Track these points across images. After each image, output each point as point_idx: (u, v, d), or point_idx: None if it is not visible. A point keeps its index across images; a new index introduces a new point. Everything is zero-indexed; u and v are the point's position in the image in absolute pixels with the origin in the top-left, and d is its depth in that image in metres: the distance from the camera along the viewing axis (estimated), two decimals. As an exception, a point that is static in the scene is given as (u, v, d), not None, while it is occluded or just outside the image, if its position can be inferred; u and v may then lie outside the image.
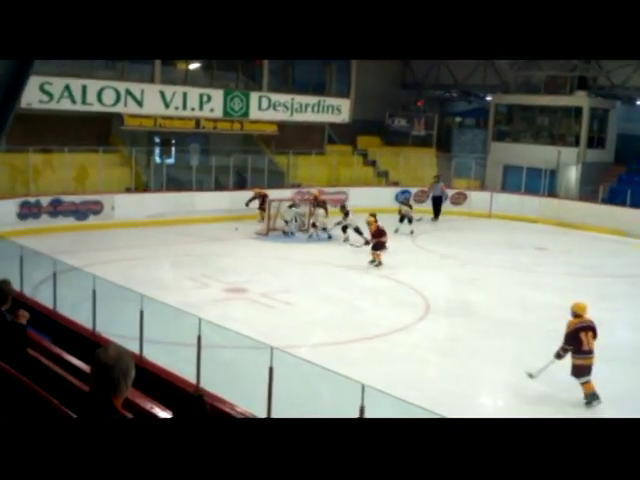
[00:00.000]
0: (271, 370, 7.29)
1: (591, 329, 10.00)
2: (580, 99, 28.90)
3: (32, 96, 20.85)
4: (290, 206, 22.23)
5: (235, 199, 23.82)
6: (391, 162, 30.58)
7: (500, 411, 9.89)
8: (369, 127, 31.82)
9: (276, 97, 26.81)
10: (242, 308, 13.88)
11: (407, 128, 32.88)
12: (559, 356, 10.06)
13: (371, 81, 29.69)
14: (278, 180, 26.59)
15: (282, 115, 27.05)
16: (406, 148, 31.56)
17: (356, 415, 6.45)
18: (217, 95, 25.25)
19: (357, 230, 20.35)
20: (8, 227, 18.23)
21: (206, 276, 16.01)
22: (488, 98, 32.56)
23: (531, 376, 10.20)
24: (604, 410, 9.66)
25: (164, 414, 5.27)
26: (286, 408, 7.77)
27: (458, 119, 36.20)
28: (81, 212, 21.52)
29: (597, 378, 10.02)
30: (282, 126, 26.99)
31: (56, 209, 21.06)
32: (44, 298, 11.35)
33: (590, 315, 10.28)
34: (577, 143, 29.01)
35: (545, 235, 24.12)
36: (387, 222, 23.69)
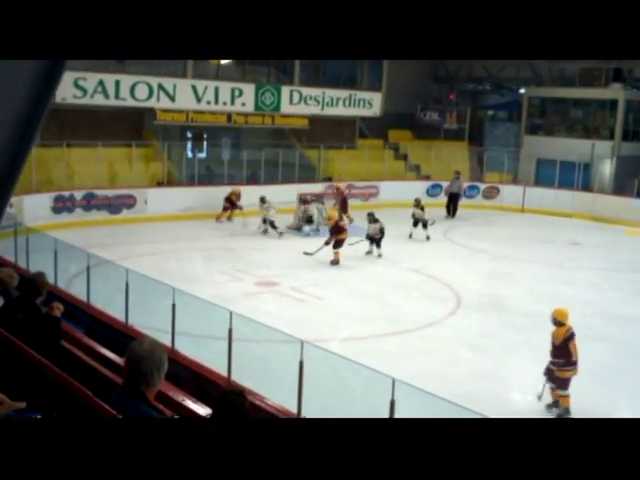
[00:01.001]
0: (301, 364, 7.31)
1: (574, 336, 9.50)
2: (615, 91, 28.45)
3: (66, 91, 21.11)
4: (306, 201, 22.13)
5: (266, 193, 23.89)
6: (422, 156, 30.41)
7: (530, 407, 9.81)
8: (400, 121, 31.65)
9: (307, 91, 26.81)
10: (273, 302, 13.93)
11: (439, 122, 32.66)
12: (550, 373, 9.46)
13: (403, 74, 29.51)
14: (309, 174, 26.61)
15: (313, 109, 27.04)
16: (438, 142, 31.35)
17: (387, 409, 6.45)
18: (248, 89, 25.32)
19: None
20: (42, 221, 18.49)
21: (238, 270, 16.09)
22: (521, 91, 32.22)
23: (539, 398, 9.60)
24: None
25: (195, 407, 5.32)
26: (316, 401, 7.80)
27: (490, 112, 35.87)
28: (114, 206, 21.74)
29: (629, 371, 9.93)
30: (313, 120, 26.99)
31: (89, 203, 21.32)
32: (78, 291, 11.51)
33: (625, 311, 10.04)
34: (612, 136, 28.57)
35: (579, 230, 23.82)
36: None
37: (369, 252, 18.16)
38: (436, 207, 26.53)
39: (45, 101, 3.63)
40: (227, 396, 3.90)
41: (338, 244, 17.30)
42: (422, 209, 20.96)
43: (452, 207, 25.49)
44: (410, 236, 20.84)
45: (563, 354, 9.32)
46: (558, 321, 9.58)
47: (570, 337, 9.38)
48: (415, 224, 20.99)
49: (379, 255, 17.92)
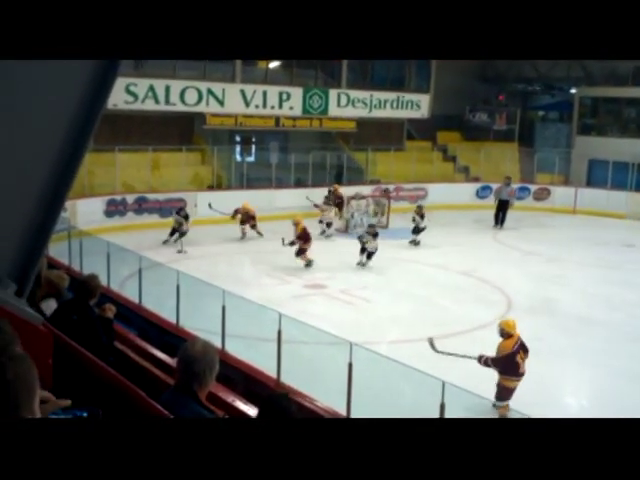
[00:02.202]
0: (350, 366, 7.31)
1: (524, 348, 9.05)
2: (669, 90, 27.84)
3: (118, 97, 21.47)
4: (351, 199, 22.23)
5: (315, 196, 23.97)
6: (472, 157, 30.11)
7: (584, 411, 9.63)
8: (449, 122, 31.41)
9: (355, 94, 26.79)
10: (321, 304, 13.95)
11: (488, 123, 32.31)
12: (479, 362, 9.11)
13: (451, 75, 29.27)
14: (357, 177, 26.59)
15: (361, 111, 27.01)
16: (487, 143, 31.00)
17: (437, 412, 6.41)
18: (296, 93, 25.42)
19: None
20: (95, 224, 18.83)
21: (286, 272, 16.15)
22: (572, 91, 31.68)
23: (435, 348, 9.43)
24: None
25: (246, 407, 5.35)
26: (366, 404, 7.78)
27: (541, 113, 35.36)
28: (165, 209, 22.03)
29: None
30: (361, 122, 26.96)
31: (141, 207, 21.65)
32: (130, 293, 11.69)
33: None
34: (666, 135, 27.95)
35: (633, 231, 23.31)
36: (463, 219, 23.52)
37: (360, 263, 17.12)
38: (485, 209, 26.30)
39: (99, 105, 3.69)
40: (272, 399, 3.90)
41: (301, 252, 16.84)
42: (422, 217, 20.13)
43: (501, 215, 23.76)
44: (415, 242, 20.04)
45: (509, 367, 8.88)
46: (506, 332, 9.11)
47: (518, 351, 8.92)
48: (414, 231, 20.21)
49: (362, 264, 17.08)
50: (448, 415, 6.43)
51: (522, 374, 8.98)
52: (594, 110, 31.10)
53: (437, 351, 9.69)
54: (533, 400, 9.29)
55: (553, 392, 10.17)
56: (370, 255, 17.02)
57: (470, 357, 9.20)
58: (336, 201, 22.17)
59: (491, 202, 27.26)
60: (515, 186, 26.53)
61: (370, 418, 2.32)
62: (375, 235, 17.12)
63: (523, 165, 30.34)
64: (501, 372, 8.98)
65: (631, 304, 14.50)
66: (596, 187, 27.77)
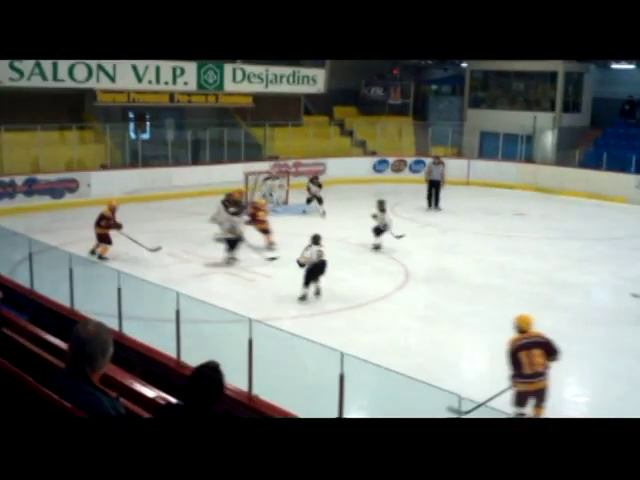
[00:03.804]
0: (250, 342, 7.29)
1: (538, 345, 8.07)
2: (555, 63, 28.84)
3: (2, 74, 20.52)
4: (265, 179, 22.16)
5: (212, 173, 23.72)
6: (368, 132, 30.48)
7: (481, 377, 9.97)
8: (345, 97, 31.63)
9: (250, 69, 26.52)
10: (222, 282, 13.86)
11: (383, 97, 32.71)
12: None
13: (346, 50, 29.36)
14: (255, 153, 26.44)
15: (257, 87, 26.79)
16: (383, 117, 31.44)
17: (336, 382, 6.48)
18: (190, 68, 24.91)
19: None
20: (-18, 208, 18.02)
21: (186, 251, 15.93)
22: (464, 65, 32.45)
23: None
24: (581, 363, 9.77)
25: (143, 389, 5.25)
26: (267, 379, 7.79)
27: (434, 87, 36.05)
28: (57, 190, 21.29)
29: (579, 338, 10.15)
30: (257, 98, 26.75)
31: (31, 188, 20.83)
32: (21, 278, 11.25)
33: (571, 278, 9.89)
34: (553, 108, 29.07)
35: (523, 200, 24.25)
36: (362, 193, 23.81)
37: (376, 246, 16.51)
38: (382, 182, 26.76)
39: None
40: (201, 371, 3.82)
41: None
42: (320, 186, 20.97)
43: (435, 196, 22.50)
44: (303, 212, 20.86)
45: (513, 364, 8.05)
46: (517, 327, 8.29)
47: (524, 346, 8.03)
48: (309, 200, 21.08)
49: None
50: (348, 386, 6.50)
51: (530, 376, 7.98)
52: (485, 84, 31.98)
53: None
54: (431, 366, 9.55)
55: (451, 358, 10.47)
56: (320, 200, 17.40)
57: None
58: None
59: (389, 176, 27.79)
60: (410, 159, 27.01)
61: (317, 418, 2.30)
62: (320, 185, 17.42)
63: (418, 138, 30.95)
64: (511, 374, 8.11)
65: (523, 270, 15.08)
66: (488, 159, 28.66)
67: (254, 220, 16.54)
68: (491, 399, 7.65)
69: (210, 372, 3.79)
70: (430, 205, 22.61)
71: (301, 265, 12.60)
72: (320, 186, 21.06)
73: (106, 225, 15.39)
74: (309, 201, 21.01)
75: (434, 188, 22.60)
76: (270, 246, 16.21)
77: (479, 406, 7.05)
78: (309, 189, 21.19)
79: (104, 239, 15.33)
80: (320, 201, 20.77)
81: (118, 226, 15.47)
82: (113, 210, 15.64)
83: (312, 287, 12.61)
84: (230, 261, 14.93)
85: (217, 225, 15.65)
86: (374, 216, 16.91)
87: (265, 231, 16.55)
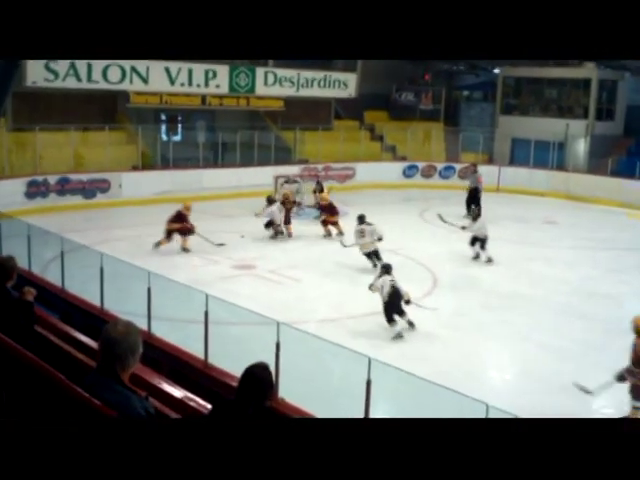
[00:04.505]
0: (278, 345, 7.31)
1: None
2: (589, 71, 28.62)
3: (37, 75, 20.83)
4: (284, 182, 22.08)
5: (242, 176, 23.83)
6: (398, 137, 30.42)
7: (505, 384, 9.91)
8: (376, 101, 31.60)
9: (282, 72, 26.64)
10: (250, 284, 13.91)
11: (414, 102, 32.64)
12: (622, 379, 8.41)
13: (378, 55, 29.34)
14: (285, 156, 26.53)
15: (288, 90, 26.90)
16: (413, 122, 31.37)
17: (363, 388, 6.47)
18: (223, 71, 25.10)
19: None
20: (16, 206, 18.28)
21: (215, 253, 16.02)
22: (496, 71, 32.28)
23: (586, 391, 8.71)
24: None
25: (171, 389, 5.30)
26: (294, 383, 7.80)
27: (466, 93, 35.92)
28: (89, 190, 21.55)
29: (611, 349, 10.05)
30: (288, 102, 26.86)
31: (64, 188, 21.10)
32: (53, 277, 11.40)
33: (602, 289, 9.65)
34: (586, 115, 28.78)
35: (554, 208, 24.01)
36: (391, 198, 23.78)
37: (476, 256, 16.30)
38: (412, 188, 26.72)
39: (5, 90, 3.57)
40: (252, 370, 4.03)
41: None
42: (322, 191, 20.58)
43: (474, 204, 21.37)
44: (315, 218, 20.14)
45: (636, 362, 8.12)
46: (636, 329, 8.26)
47: None
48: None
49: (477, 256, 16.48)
50: (375, 392, 6.50)
51: None
52: (517, 90, 31.76)
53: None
54: (456, 373, 9.51)
55: (478, 367, 10.41)
56: (477, 241, 16.23)
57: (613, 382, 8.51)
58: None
59: (418, 181, 27.73)
60: (440, 165, 26.91)
61: (328, 418, 2.32)
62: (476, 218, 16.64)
63: (448, 144, 30.82)
64: (634, 372, 8.26)
65: (552, 279, 14.94)
66: (518, 165, 28.45)
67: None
68: (605, 386, 8.44)
69: (260, 371, 3.99)
70: (469, 212, 21.60)
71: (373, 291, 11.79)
72: (322, 190, 20.71)
73: (181, 225, 16.21)
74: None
75: (472, 195, 22.45)
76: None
77: (604, 387, 8.39)
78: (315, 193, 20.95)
79: (181, 232, 16.20)
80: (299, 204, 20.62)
81: (192, 226, 16.32)
82: (189, 209, 16.49)
83: (400, 320, 11.44)
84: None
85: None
86: (463, 228, 16.81)
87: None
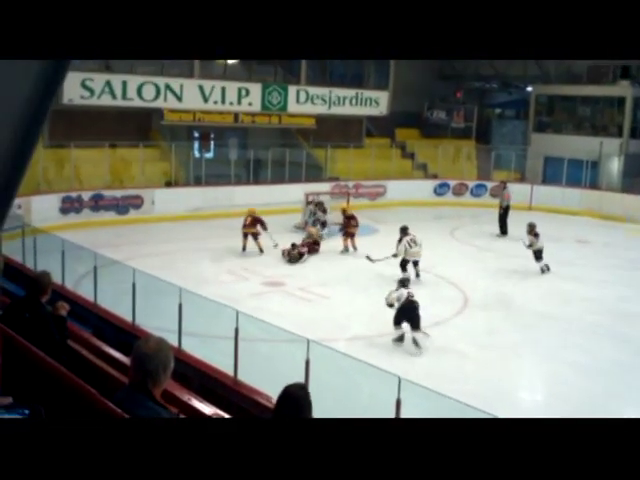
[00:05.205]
0: (307, 363, 7.32)
1: None
2: (623, 89, 28.37)
3: (74, 92, 21.19)
4: (308, 203, 22.09)
5: (273, 193, 23.95)
6: (430, 154, 30.37)
7: (537, 405, 9.80)
8: (407, 119, 31.62)
9: (314, 90, 26.81)
10: (280, 301, 13.95)
11: (446, 120, 32.61)
12: None
13: (409, 73, 29.48)
14: (316, 173, 26.62)
15: (320, 108, 27.05)
16: (445, 140, 31.32)
17: (393, 408, 6.45)
18: (255, 89, 25.34)
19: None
20: (50, 222, 18.54)
21: (245, 269, 16.11)
22: (529, 89, 32.15)
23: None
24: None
25: (201, 405, 5.33)
26: (323, 401, 7.79)
27: (498, 110, 35.80)
28: (122, 206, 21.80)
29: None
30: (320, 119, 26.99)
31: (97, 204, 21.38)
32: (85, 291, 11.54)
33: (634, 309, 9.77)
34: (620, 134, 28.50)
35: (587, 228, 23.76)
36: (422, 215, 23.70)
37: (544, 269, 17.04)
38: (443, 206, 26.63)
39: (47, 102, 3.64)
40: (289, 390, 4.01)
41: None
42: (325, 212, 21.10)
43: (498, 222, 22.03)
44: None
45: None
46: None
47: None
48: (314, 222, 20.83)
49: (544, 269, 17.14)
50: (405, 411, 6.48)
51: None
52: (550, 108, 31.58)
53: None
54: (487, 393, 9.42)
55: (507, 386, 10.32)
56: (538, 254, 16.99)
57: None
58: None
59: (450, 199, 27.66)
60: (471, 183, 26.80)
61: (326, 418, 2.33)
62: (537, 235, 17.23)
63: (480, 162, 30.70)
64: None
65: (584, 299, 14.77)
66: (551, 184, 28.21)
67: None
68: None
69: (298, 391, 3.99)
70: (502, 232, 22.23)
71: (390, 306, 11.89)
72: (325, 211, 21.07)
73: (254, 228, 18.13)
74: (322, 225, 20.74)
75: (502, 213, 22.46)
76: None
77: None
78: (314, 214, 21.07)
79: (254, 236, 18.13)
80: (324, 225, 20.52)
81: (264, 225, 18.28)
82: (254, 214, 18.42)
83: (409, 333, 11.58)
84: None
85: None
86: (530, 245, 17.20)
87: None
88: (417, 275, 15.57)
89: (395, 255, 15.52)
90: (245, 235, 18.16)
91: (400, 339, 11.60)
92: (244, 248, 18.03)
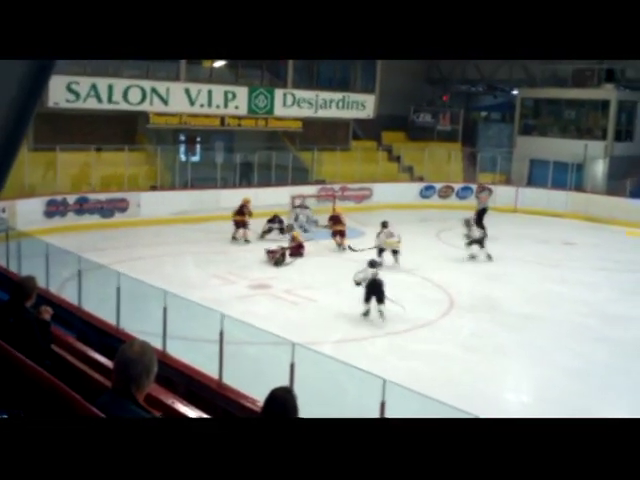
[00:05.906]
0: (292, 366, 7.31)
1: None
2: (608, 92, 28.55)
3: (59, 95, 21.09)
4: (295, 207, 22.07)
5: (259, 196, 23.91)
6: (416, 157, 30.46)
7: (525, 407, 9.82)
8: (394, 122, 31.69)
9: (300, 93, 26.82)
10: (266, 304, 13.93)
11: (432, 123, 32.72)
12: None
13: (396, 76, 29.55)
14: (302, 177, 26.62)
15: (306, 111, 27.05)
16: (431, 143, 31.42)
17: (377, 410, 6.45)
18: (242, 92, 25.32)
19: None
20: (35, 225, 18.41)
21: (231, 273, 16.08)
22: (514, 92, 32.30)
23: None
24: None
25: (185, 409, 5.31)
26: (309, 404, 7.77)
27: (484, 113, 35.96)
28: (107, 210, 21.71)
29: (631, 372, 9.95)
30: (306, 122, 27.00)
31: (82, 207, 21.27)
32: (70, 295, 11.47)
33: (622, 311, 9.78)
34: (604, 136, 28.67)
35: (572, 230, 23.88)
36: (408, 218, 23.73)
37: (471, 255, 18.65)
38: (429, 208, 26.70)
39: (33, 103, 3.61)
40: (275, 393, 4.02)
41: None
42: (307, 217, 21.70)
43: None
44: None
45: None
46: None
47: None
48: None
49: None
50: (389, 414, 6.47)
51: None
52: (535, 111, 31.72)
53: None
54: (473, 396, 9.44)
55: (494, 388, 10.34)
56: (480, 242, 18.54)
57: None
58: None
59: (435, 202, 27.75)
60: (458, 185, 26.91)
61: (316, 418, 2.33)
62: (470, 226, 19.01)
63: (466, 165, 30.81)
64: None
65: (570, 301, 14.84)
66: (537, 186, 28.36)
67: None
68: None
69: (284, 394, 4.02)
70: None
71: (357, 284, 13.31)
72: (308, 217, 21.56)
73: (245, 215, 19.46)
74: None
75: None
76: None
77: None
78: (297, 218, 21.49)
79: (241, 225, 19.47)
80: (306, 231, 20.77)
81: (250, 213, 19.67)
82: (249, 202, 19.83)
83: (375, 307, 13.03)
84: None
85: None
86: (468, 237, 18.78)
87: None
88: (396, 262, 17.15)
89: (376, 247, 17.26)
90: (237, 224, 19.44)
91: (366, 314, 13.04)
92: (234, 237, 19.38)
